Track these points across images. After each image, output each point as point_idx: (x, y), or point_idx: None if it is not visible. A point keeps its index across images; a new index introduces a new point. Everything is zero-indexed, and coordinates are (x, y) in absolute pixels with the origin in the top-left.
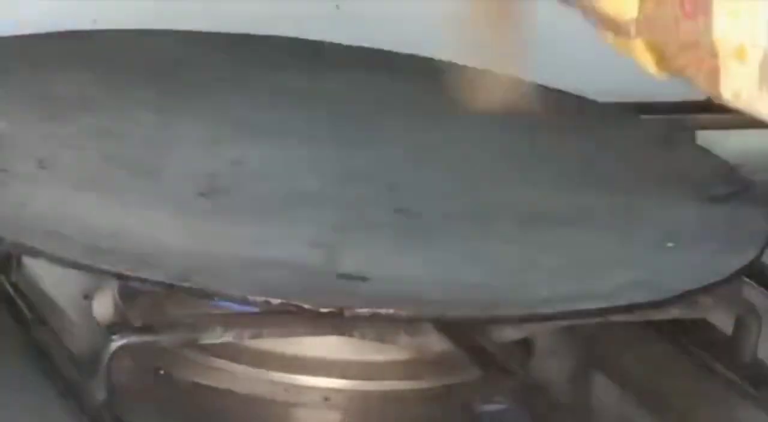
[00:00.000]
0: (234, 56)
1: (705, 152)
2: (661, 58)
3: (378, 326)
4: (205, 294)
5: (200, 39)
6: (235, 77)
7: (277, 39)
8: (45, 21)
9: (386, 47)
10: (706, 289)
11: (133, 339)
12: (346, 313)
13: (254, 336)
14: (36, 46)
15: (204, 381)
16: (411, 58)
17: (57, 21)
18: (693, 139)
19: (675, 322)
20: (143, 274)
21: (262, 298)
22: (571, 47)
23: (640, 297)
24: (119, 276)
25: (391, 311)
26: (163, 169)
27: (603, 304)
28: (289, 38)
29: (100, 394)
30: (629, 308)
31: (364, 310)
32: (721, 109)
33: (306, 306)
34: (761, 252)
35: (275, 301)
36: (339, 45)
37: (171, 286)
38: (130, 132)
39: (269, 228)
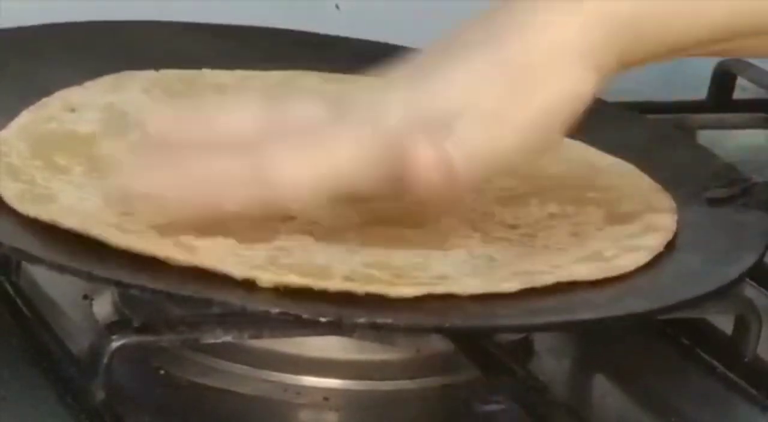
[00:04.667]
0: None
1: (706, 152)
2: None
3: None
4: (205, 303)
5: (202, 31)
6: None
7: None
8: (43, 13)
9: None
10: (707, 296)
11: (133, 339)
12: (345, 322)
13: (254, 337)
14: (33, 38)
15: (203, 381)
16: None
17: (55, 13)
18: (694, 138)
19: (675, 322)
20: (142, 282)
21: (262, 308)
22: None
23: (638, 306)
24: (118, 284)
25: (389, 321)
26: None
27: (602, 314)
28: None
29: (99, 394)
30: (626, 319)
31: (362, 320)
32: (723, 108)
33: (304, 315)
34: (763, 255)
35: (274, 310)
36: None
37: (170, 295)
38: None
39: None
